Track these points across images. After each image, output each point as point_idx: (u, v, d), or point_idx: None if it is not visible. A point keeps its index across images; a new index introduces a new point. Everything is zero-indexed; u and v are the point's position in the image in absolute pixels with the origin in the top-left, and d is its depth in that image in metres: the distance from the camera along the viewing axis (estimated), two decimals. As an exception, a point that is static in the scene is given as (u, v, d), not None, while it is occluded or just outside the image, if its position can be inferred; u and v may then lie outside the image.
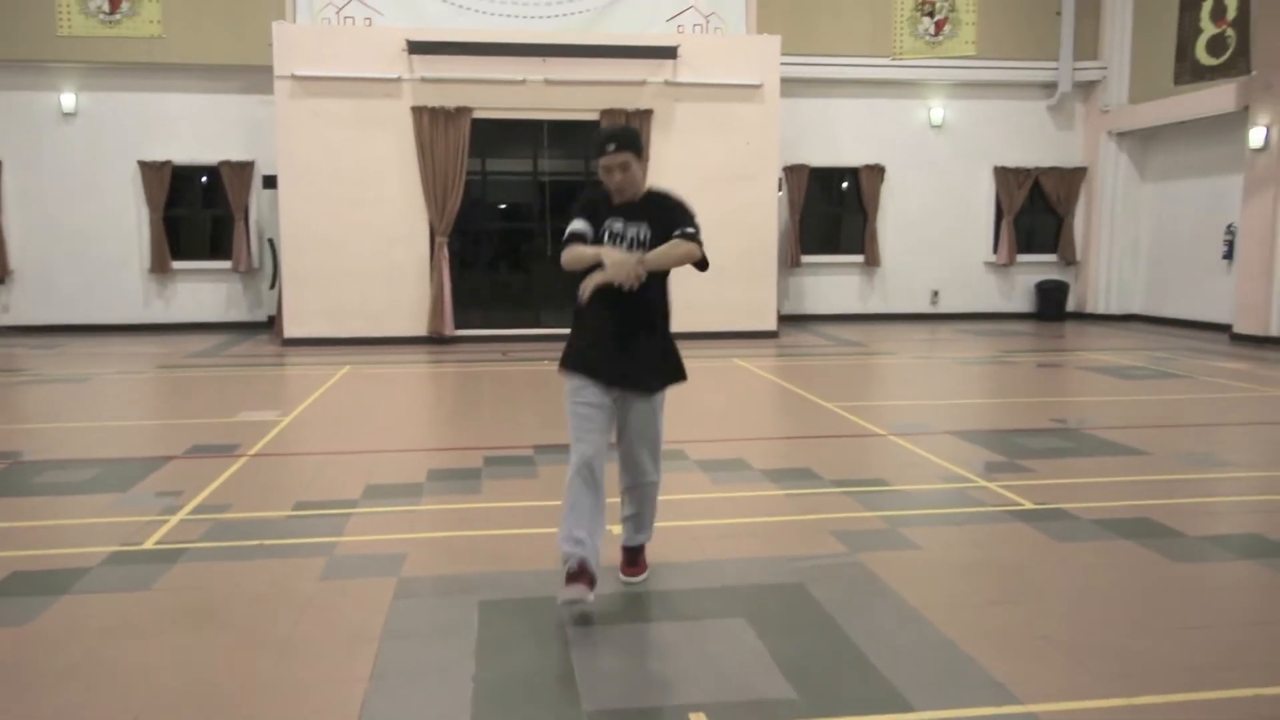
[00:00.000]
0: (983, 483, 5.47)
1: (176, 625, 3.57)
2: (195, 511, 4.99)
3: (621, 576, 3.92)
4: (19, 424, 7.64)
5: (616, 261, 3.41)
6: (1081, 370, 10.21)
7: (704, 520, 4.79)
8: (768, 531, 4.64)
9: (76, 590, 3.90)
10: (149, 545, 4.46)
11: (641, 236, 3.59)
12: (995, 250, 15.75)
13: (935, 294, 15.71)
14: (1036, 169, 15.59)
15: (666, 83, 12.60)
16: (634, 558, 3.96)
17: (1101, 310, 15.70)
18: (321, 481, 5.70)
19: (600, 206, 3.64)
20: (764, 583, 3.93)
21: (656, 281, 3.62)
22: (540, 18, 13.27)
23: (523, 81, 12.30)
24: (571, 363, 3.69)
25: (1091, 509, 4.91)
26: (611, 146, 3.52)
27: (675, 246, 3.52)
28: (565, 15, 13.33)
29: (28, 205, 13.38)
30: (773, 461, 6.02)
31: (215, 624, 3.57)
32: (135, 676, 3.16)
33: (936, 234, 15.54)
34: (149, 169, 13.35)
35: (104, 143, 13.38)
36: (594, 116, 12.47)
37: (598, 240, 3.59)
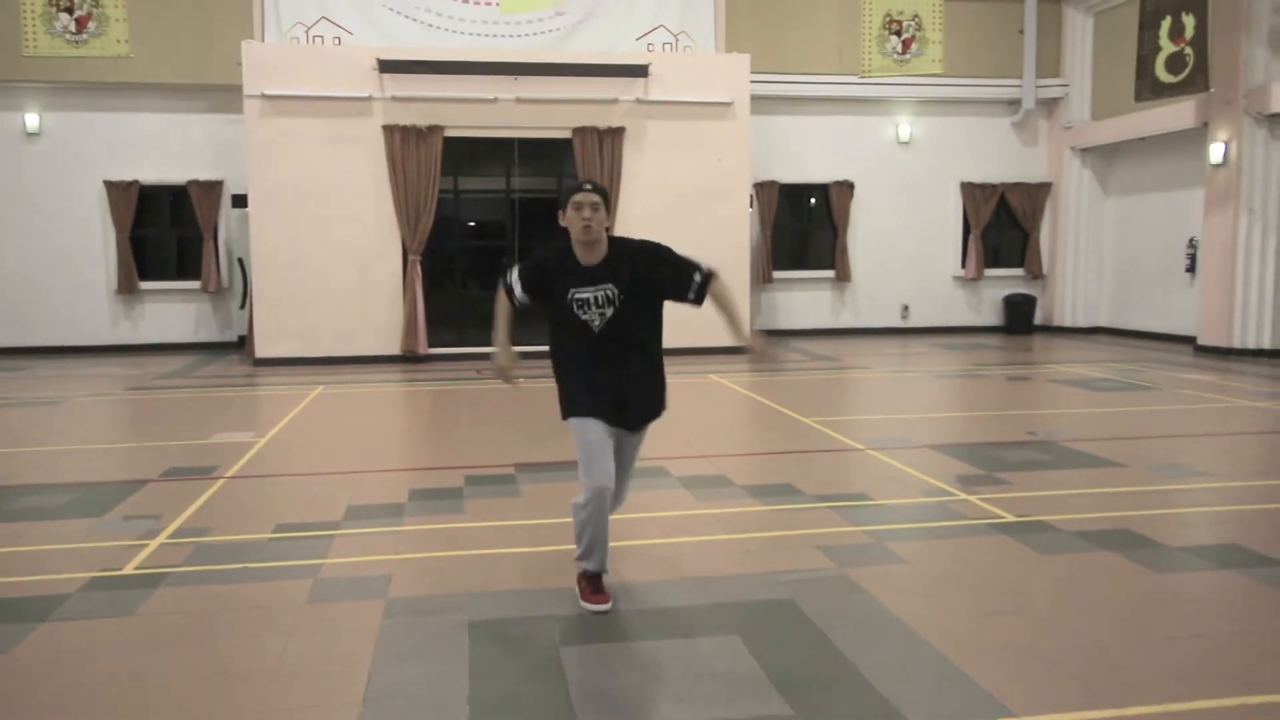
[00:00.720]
0: (963, 496, 5.53)
1: (161, 652, 3.51)
2: (175, 535, 4.92)
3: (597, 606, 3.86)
4: (-14, 449, 7.48)
5: (498, 368, 3.90)
6: (1052, 383, 10.36)
7: (690, 537, 4.80)
8: (754, 547, 4.65)
9: (55, 618, 3.83)
10: (129, 570, 4.39)
11: (610, 295, 3.67)
12: (964, 265, 15.95)
13: (905, 308, 15.88)
14: (1003, 184, 15.84)
15: (638, 101, 12.67)
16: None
17: (1069, 323, 15.95)
18: (302, 503, 5.64)
19: (557, 271, 3.71)
20: (754, 599, 3.94)
21: (650, 323, 3.81)
22: (511, 36, 13.31)
23: (494, 100, 12.32)
24: (578, 410, 3.78)
25: (1071, 520, 4.98)
26: (588, 185, 3.66)
27: (729, 299, 3.82)
28: (536, 34, 13.38)
29: (-10, 226, 13.16)
30: (754, 477, 6.05)
31: (202, 650, 3.52)
32: (120, 706, 3.10)
33: (906, 249, 15.72)
34: (115, 189, 13.19)
35: (69, 163, 13.20)
36: (566, 135, 12.51)
37: (566, 310, 3.69)
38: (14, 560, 4.60)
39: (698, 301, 3.81)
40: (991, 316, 16.19)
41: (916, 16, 11.93)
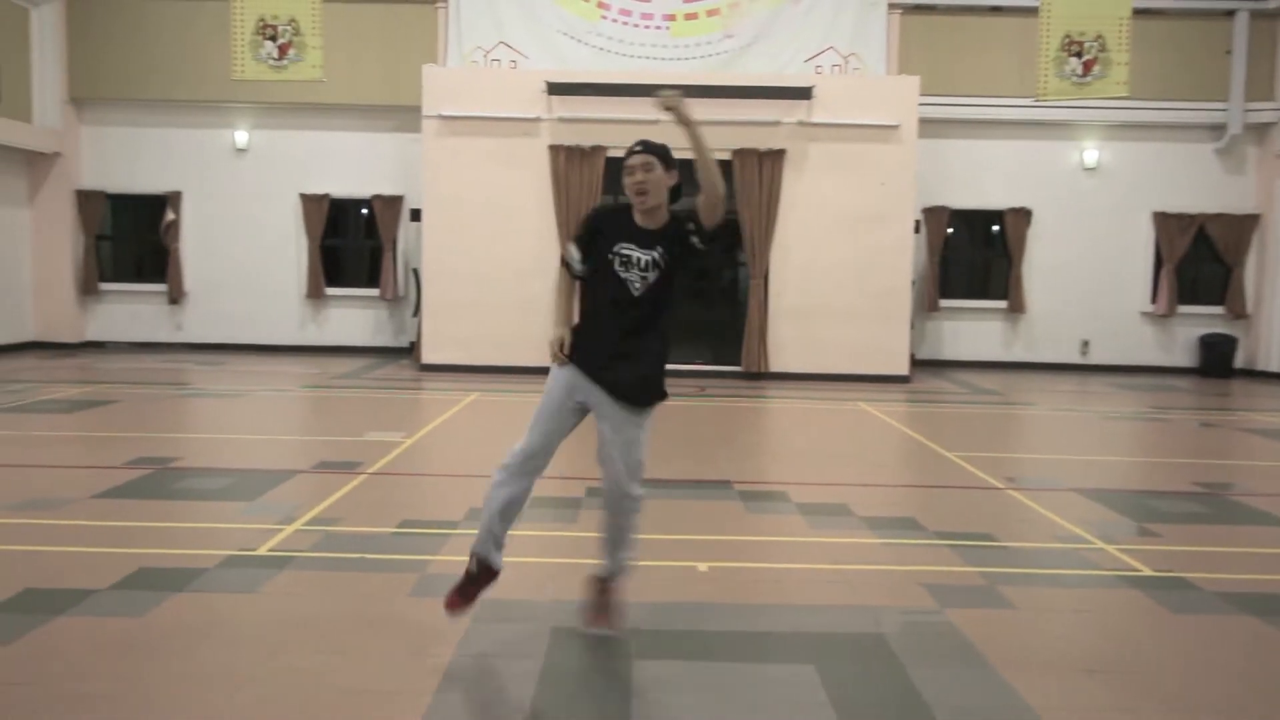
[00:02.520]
0: (1100, 544, 5.15)
1: (270, 628, 3.78)
2: (309, 523, 5.27)
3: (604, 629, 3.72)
4: (174, 433, 8.26)
5: (552, 339, 3.63)
6: (1241, 432, 9.48)
7: (790, 564, 4.71)
8: (855, 580, 4.51)
9: (190, 589, 4.18)
10: (262, 551, 4.74)
11: (657, 260, 3.49)
12: (1154, 300, 14.85)
13: (1085, 344, 14.94)
14: (1202, 215, 14.64)
15: (800, 123, 12.57)
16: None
17: (1275, 368, 14.52)
18: (429, 502, 5.92)
19: (610, 227, 3.56)
20: (840, 631, 3.82)
21: (670, 303, 3.61)
22: (681, 59, 13.51)
23: (656, 122, 12.45)
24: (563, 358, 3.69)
25: (1218, 580, 4.55)
26: (638, 147, 3.51)
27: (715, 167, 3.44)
28: (705, 57, 13.53)
29: (202, 233, 14.53)
30: (876, 509, 5.86)
31: (305, 629, 3.76)
32: (222, 673, 3.36)
33: (1088, 281, 14.80)
34: (309, 201, 14.29)
35: (271, 177, 14.42)
36: (726, 156, 12.55)
37: (607, 264, 3.51)
38: (168, 534, 5.06)
39: (702, 235, 3.51)
40: (1184, 357, 14.96)
41: (1100, 37, 11.25)
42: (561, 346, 3.60)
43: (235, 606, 4.01)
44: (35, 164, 14.15)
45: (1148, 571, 4.68)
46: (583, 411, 3.68)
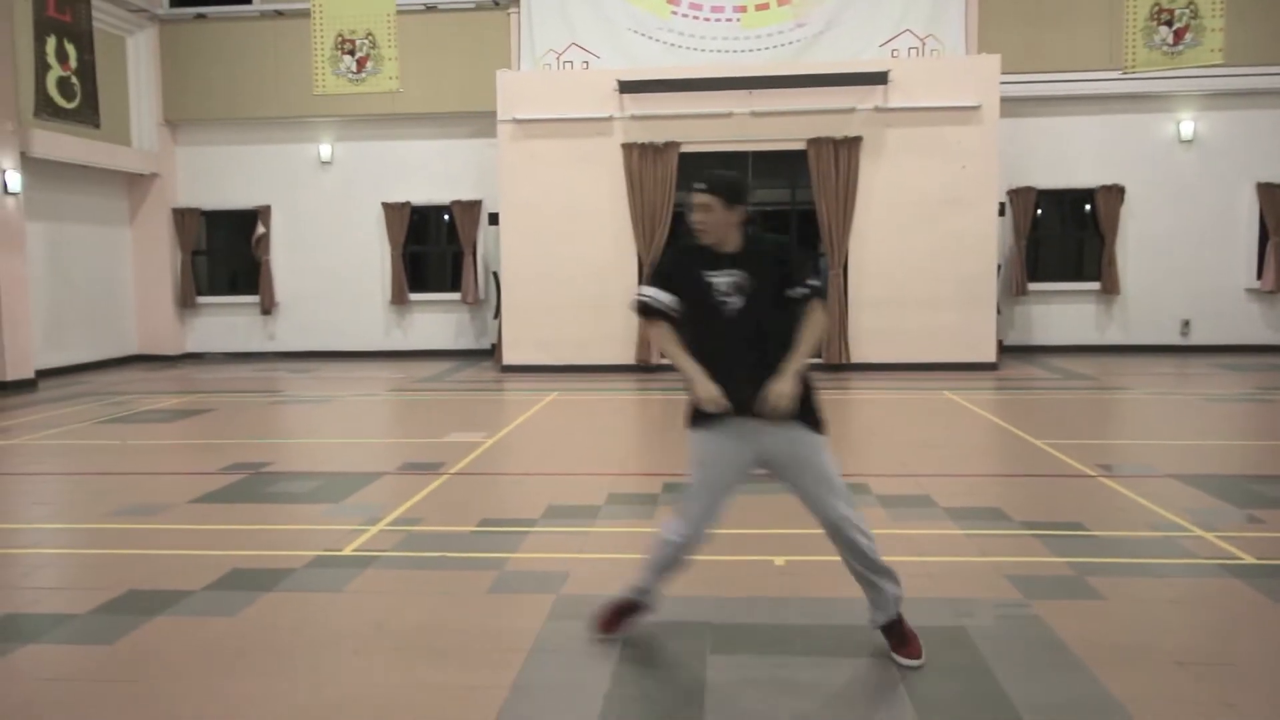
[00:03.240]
0: (1199, 532, 4.93)
1: (354, 625, 3.89)
2: (393, 523, 5.40)
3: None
4: (267, 438, 8.56)
5: (708, 398, 3.39)
6: (1356, 410, 8.96)
7: (871, 556, 4.62)
8: (937, 572, 4.41)
9: (280, 589, 4.33)
10: (347, 552, 4.88)
11: (741, 283, 3.39)
12: (1259, 276, 14.12)
13: (1185, 324, 14.30)
14: (1309, 184, 13.87)
15: (876, 109, 12.34)
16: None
17: (1393, 343, 13.70)
18: (509, 500, 6.00)
19: (688, 260, 3.48)
20: (921, 624, 3.72)
21: (784, 317, 3.43)
22: (752, 50, 13.39)
23: (729, 114, 12.46)
24: (698, 419, 3.57)
25: (1326, 567, 4.31)
26: (701, 186, 3.43)
27: (810, 329, 3.40)
28: (777, 46, 13.37)
29: (291, 245, 15.02)
30: (960, 500, 5.71)
31: (386, 628, 3.86)
32: (310, 670, 3.47)
33: (1186, 258, 14.16)
34: (391, 209, 14.62)
35: (354, 187, 14.81)
36: (801, 146, 12.42)
37: (698, 294, 3.41)
38: (259, 536, 5.24)
39: (793, 304, 3.44)
40: (1294, 335, 14.21)
41: (1192, 3, 10.73)
42: (719, 402, 3.40)
43: (321, 606, 4.13)
44: (135, 185, 14.83)
45: (1250, 560, 4.46)
46: (748, 470, 3.53)
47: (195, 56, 14.60)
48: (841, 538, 3.40)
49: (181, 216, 14.94)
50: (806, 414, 3.42)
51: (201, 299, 15.29)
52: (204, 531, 5.33)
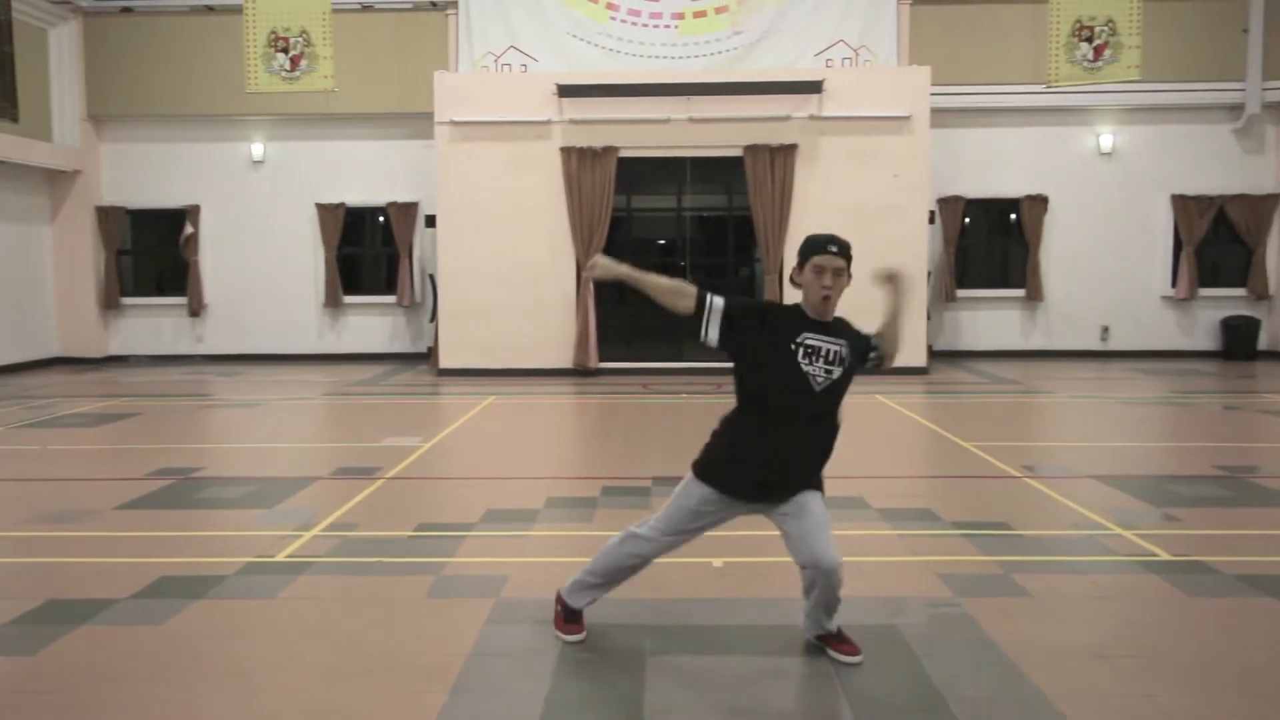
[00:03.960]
0: (1118, 530, 5.12)
1: (288, 633, 3.83)
2: (327, 529, 5.32)
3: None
4: (195, 443, 8.36)
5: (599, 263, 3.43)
6: (1265, 414, 9.37)
7: (806, 557, 4.70)
8: (871, 571, 4.50)
9: (211, 596, 4.24)
10: (281, 558, 4.79)
11: (842, 355, 3.27)
12: (1174, 284, 14.69)
13: (1105, 330, 14.80)
14: (1221, 196, 14.47)
15: (811, 117, 12.54)
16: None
17: (1300, 349, 14.35)
18: (446, 505, 5.97)
19: (784, 318, 3.32)
20: (855, 623, 3.80)
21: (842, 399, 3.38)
22: (690, 57, 13.50)
23: (667, 120, 12.54)
24: (712, 479, 3.51)
25: (1236, 563, 4.51)
26: (834, 248, 3.25)
27: (899, 325, 3.41)
28: (715, 54, 13.50)
29: (221, 245, 14.68)
30: (892, 501, 5.84)
31: (322, 634, 3.81)
32: (243, 677, 3.41)
33: (1106, 267, 14.66)
34: (325, 210, 14.39)
35: (287, 187, 14.54)
36: (737, 153, 12.56)
37: (788, 357, 3.25)
38: (189, 543, 5.12)
39: (872, 370, 3.46)
40: (1206, 340, 14.80)
41: (1110, 21, 11.14)
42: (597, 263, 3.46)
43: (254, 612, 4.06)
44: (56, 182, 14.35)
45: (1165, 556, 4.64)
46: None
47: (121, 51, 14.19)
48: (832, 581, 3.33)
49: (105, 215, 14.51)
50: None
51: (126, 300, 14.86)
52: (129, 539, 5.19)
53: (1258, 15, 13.85)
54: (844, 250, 3.28)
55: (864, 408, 9.71)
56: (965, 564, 4.57)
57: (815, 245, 3.28)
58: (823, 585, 3.35)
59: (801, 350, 3.23)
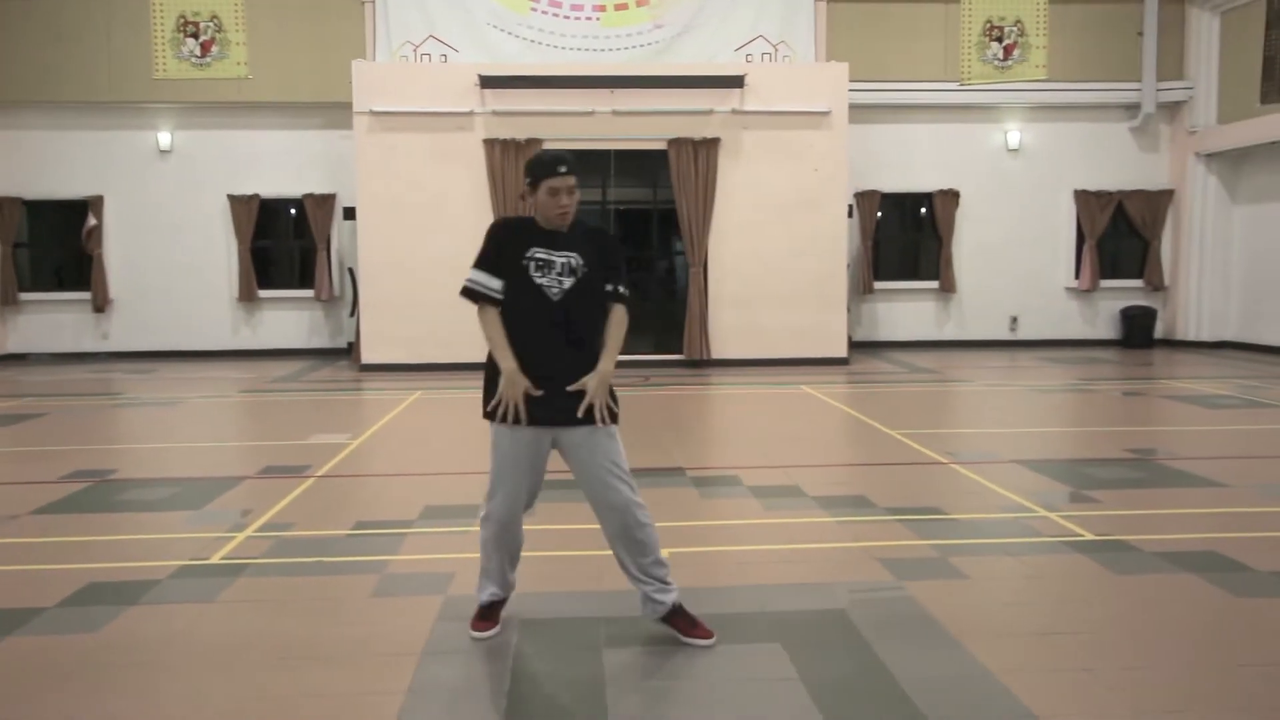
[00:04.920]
0: (1043, 513, 5.34)
1: (232, 637, 3.72)
2: (261, 529, 5.19)
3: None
4: (109, 444, 8.04)
5: (513, 386, 3.36)
6: (1165, 399, 9.86)
7: (751, 546, 4.79)
8: (814, 558, 4.61)
9: (145, 601, 4.10)
10: (215, 560, 4.66)
11: (573, 265, 3.41)
12: (1077, 275, 15.33)
13: (1014, 320, 15.37)
14: (1120, 192, 15.16)
15: (734, 111, 12.68)
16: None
17: (1192, 337, 15.13)
18: (383, 502, 5.87)
19: (514, 238, 3.45)
20: (804, 609, 3.91)
21: (600, 311, 3.50)
22: (611, 50, 13.50)
23: (591, 113, 12.53)
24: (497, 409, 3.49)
25: (1156, 541, 4.75)
26: (563, 169, 3.35)
27: (618, 328, 3.50)
28: (636, 47, 13.53)
29: (126, 238, 14.12)
30: (827, 489, 5.97)
31: (268, 636, 3.71)
32: (188, 684, 3.30)
33: (1015, 259, 15.22)
34: (238, 202, 13.96)
35: (196, 178, 14.05)
36: (661, 146, 12.63)
37: (517, 275, 3.40)
38: (115, 548, 4.94)
39: (604, 298, 3.52)
40: (1107, 330, 15.50)
41: (1019, 22, 11.58)
42: (526, 391, 3.38)
43: (193, 617, 3.93)
44: (-56, 171, 13.60)
45: (1090, 536, 4.86)
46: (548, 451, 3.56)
47: (17, 32, 13.48)
48: (627, 522, 3.46)
49: (0, 206, 13.79)
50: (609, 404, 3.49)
51: (24, 295, 14.18)
52: (51, 544, 4.98)
53: (1152, 19, 14.53)
54: (573, 168, 3.39)
55: (789, 398, 9.88)
56: (902, 548, 4.71)
57: (545, 167, 3.37)
58: (623, 532, 3.47)
59: (533, 264, 3.40)
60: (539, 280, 3.39)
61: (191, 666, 3.45)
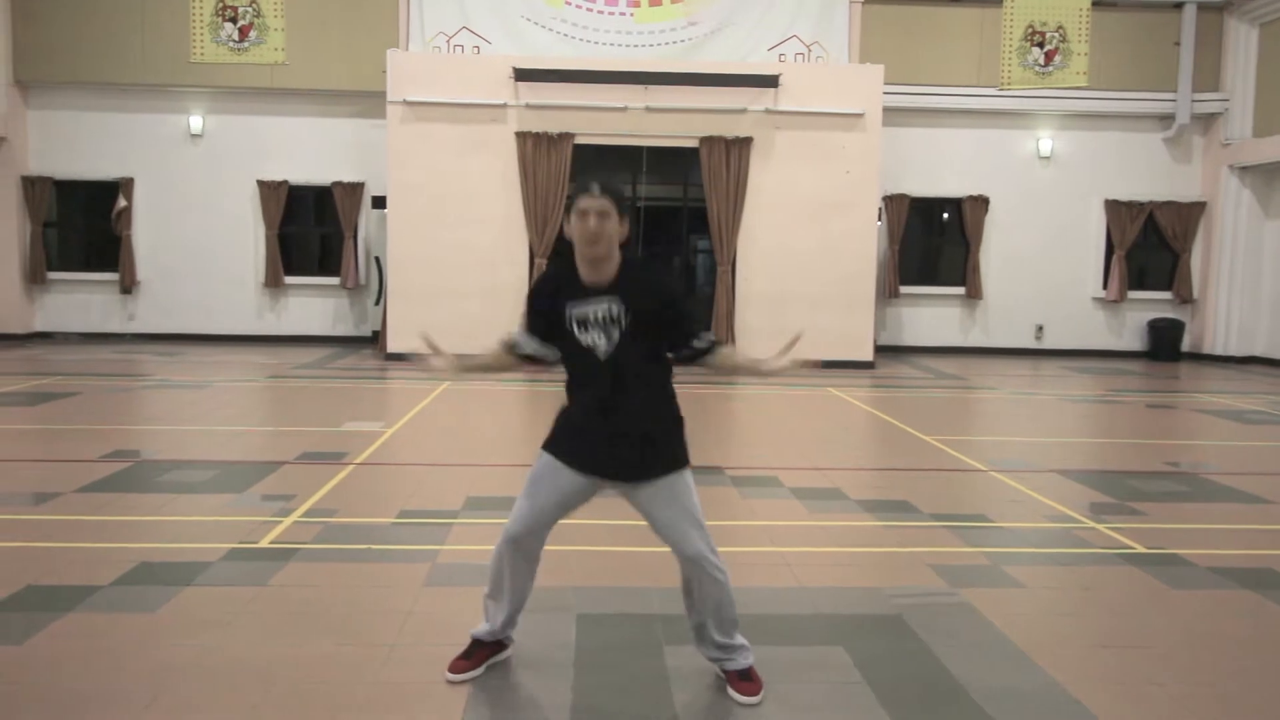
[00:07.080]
0: (1090, 524, 5.30)
1: (289, 622, 3.72)
2: (307, 514, 5.19)
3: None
4: (143, 425, 8.06)
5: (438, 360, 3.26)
6: (1196, 413, 9.80)
7: (799, 547, 4.76)
8: (865, 562, 4.58)
9: (199, 583, 4.10)
10: (265, 544, 4.66)
11: (613, 313, 3.01)
12: (1105, 286, 15.26)
13: (1039, 329, 15.30)
14: (1151, 203, 15.08)
15: (767, 111, 12.64)
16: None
17: (1220, 351, 15.04)
18: (424, 491, 5.86)
19: (550, 299, 3.10)
20: (861, 613, 3.88)
21: (657, 357, 3.13)
22: (644, 46, 13.48)
23: (624, 109, 12.51)
24: (549, 445, 3.32)
25: (1208, 556, 4.71)
26: (596, 188, 2.98)
27: (739, 366, 3.23)
28: (669, 44, 13.51)
29: (155, 220, 14.17)
30: (869, 492, 5.95)
31: (327, 623, 3.71)
32: (247, 671, 3.30)
33: (1042, 267, 15.16)
34: (267, 188, 13.99)
35: (226, 163, 14.09)
36: (693, 144, 12.60)
37: (564, 336, 3.08)
38: (163, 528, 4.94)
39: (685, 361, 3.15)
40: (1134, 341, 15.42)
41: (1061, 28, 11.51)
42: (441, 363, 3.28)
43: (248, 600, 3.93)
44: (-23, 149, 13.67)
45: (1141, 549, 4.82)
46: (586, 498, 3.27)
47: (54, 14, 13.54)
48: (701, 576, 3.10)
49: (32, 185, 13.86)
50: (674, 452, 3.15)
51: (53, 275, 14.24)
52: (101, 523, 4.98)
53: (1189, 30, 14.44)
54: (610, 191, 2.99)
55: (817, 400, 9.85)
56: (953, 555, 4.68)
57: (580, 186, 3.03)
58: (695, 579, 3.12)
59: (574, 325, 3.05)
60: (585, 342, 3.04)
61: (249, 649, 3.44)
